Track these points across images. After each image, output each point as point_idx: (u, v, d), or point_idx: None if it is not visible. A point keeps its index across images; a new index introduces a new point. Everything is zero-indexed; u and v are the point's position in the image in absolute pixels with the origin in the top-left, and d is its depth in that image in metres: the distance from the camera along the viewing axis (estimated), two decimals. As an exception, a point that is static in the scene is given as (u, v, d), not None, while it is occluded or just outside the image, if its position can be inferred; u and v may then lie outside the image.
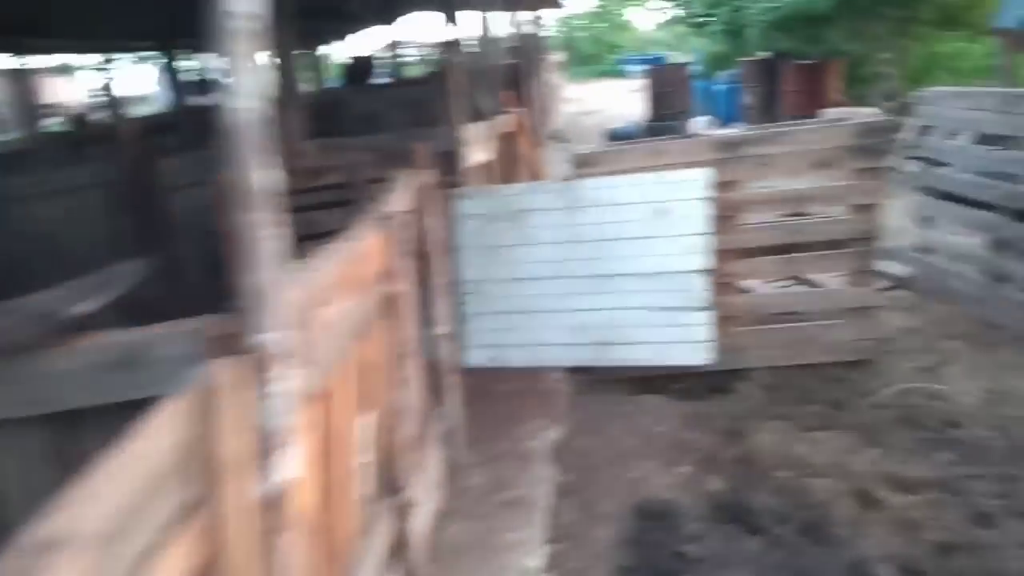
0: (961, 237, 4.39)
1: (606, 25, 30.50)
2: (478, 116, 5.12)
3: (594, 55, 31.39)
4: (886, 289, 4.91)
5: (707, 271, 3.74)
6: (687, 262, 3.77)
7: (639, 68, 24.96)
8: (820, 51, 10.49)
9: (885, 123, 3.57)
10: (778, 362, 3.97)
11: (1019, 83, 9.63)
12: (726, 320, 3.95)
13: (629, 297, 3.90)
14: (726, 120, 13.05)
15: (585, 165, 3.90)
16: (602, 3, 31.80)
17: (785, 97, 11.32)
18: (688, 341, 3.86)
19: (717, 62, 13.38)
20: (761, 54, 12.40)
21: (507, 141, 5.28)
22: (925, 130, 4.53)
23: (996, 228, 4.04)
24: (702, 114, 14.42)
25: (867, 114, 10.17)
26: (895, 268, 5.03)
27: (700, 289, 3.76)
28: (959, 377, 3.76)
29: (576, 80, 30.52)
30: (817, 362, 3.93)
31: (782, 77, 11.35)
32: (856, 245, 3.82)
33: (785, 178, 4.04)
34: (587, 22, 30.94)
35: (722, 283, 3.91)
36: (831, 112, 10.53)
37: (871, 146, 3.63)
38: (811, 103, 10.92)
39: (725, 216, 3.83)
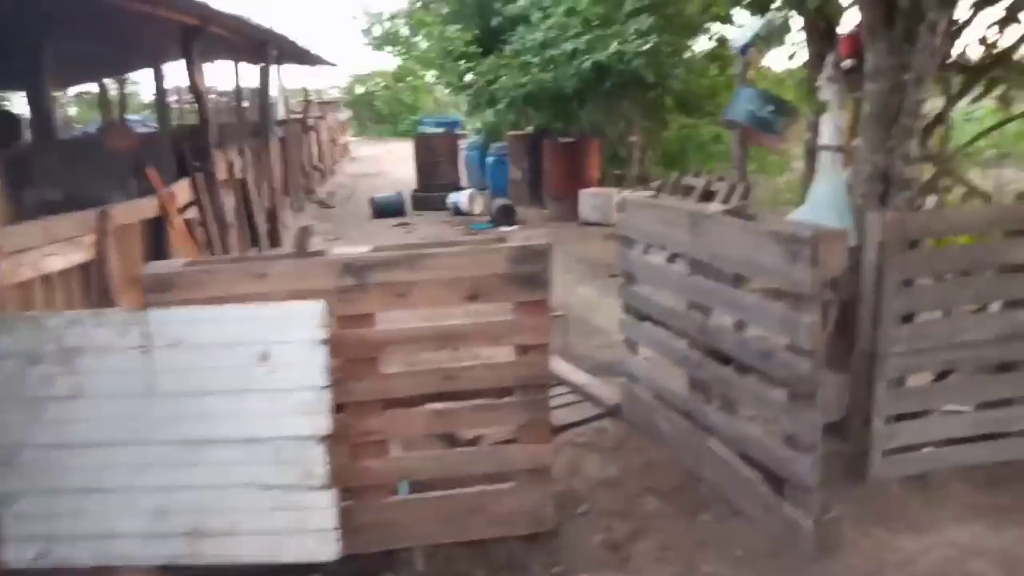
0: (663, 369, 3.77)
1: (405, 85, 30.05)
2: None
3: (392, 114, 30.78)
4: (592, 419, 4.22)
5: (326, 437, 2.76)
6: (298, 425, 2.78)
7: (436, 130, 24.72)
8: (576, 129, 10.26)
9: (542, 247, 2.80)
10: (437, 539, 3.08)
11: (754, 171, 9.82)
12: (367, 491, 3.00)
13: (228, 471, 2.84)
14: (495, 193, 12.62)
15: (161, 289, 2.82)
16: (403, 63, 31.40)
17: (547, 175, 10.99)
18: (308, 529, 2.84)
19: (492, 133, 12.96)
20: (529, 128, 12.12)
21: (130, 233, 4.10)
22: (626, 241, 3.91)
23: (694, 365, 3.42)
24: (477, 185, 14.00)
25: (618, 196, 10.05)
26: (606, 392, 4.38)
27: (318, 462, 2.77)
28: (650, 558, 3.05)
29: (373, 139, 29.82)
30: (485, 537, 3.08)
31: (544, 154, 11.03)
32: (524, 393, 3.03)
33: (436, 310, 3.20)
34: (385, 82, 30.34)
35: (359, 444, 2.98)
36: (589, 192, 10.32)
37: (529, 274, 2.87)
38: (572, 182, 10.66)
39: (357, 360, 2.91)
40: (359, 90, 31.23)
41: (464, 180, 14.58)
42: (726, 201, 7.21)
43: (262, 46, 8.23)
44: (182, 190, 5.21)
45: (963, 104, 3.73)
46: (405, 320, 3.24)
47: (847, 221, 3.41)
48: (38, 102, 7.01)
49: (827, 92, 3.50)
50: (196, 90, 5.34)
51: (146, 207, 4.27)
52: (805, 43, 3.64)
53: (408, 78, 28.50)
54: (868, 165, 3.31)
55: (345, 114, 23.82)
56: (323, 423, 2.77)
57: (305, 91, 15.67)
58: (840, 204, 3.42)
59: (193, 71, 5.21)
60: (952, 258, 3.26)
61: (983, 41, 3.34)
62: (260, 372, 2.78)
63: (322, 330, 2.74)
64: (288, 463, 2.81)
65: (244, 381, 2.79)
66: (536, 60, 8.86)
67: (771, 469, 3.01)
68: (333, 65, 15.37)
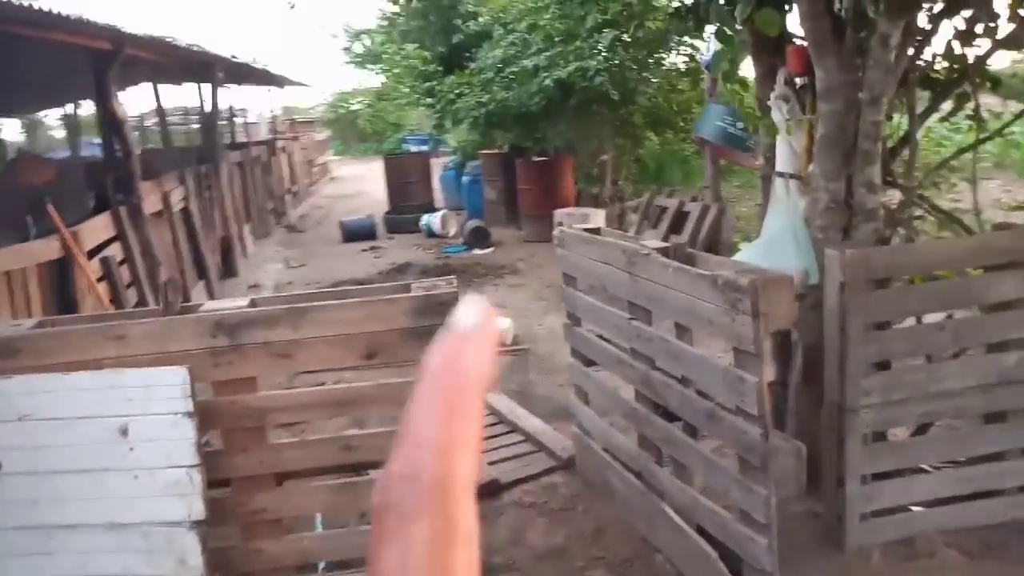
0: (615, 421, 3.38)
1: (388, 102, 29.67)
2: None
3: (376, 132, 30.41)
4: (541, 474, 3.83)
5: (200, 522, 2.37)
6: (167, 509, 2.39)
7: (420, 148, 24.33)
8: (545, 148, 9.91)
9: (448, 296, 2.42)
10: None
11: (737, 187, 9.46)
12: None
13: (92, 561, 2.45)
14: (471, 214, 12.25)
15: (5, 355, 2.43)
16: (388, 80, 31.00)
17: (522, 194, 10.63)
18: (184, 628, 2.44)
19: (467, 152, 12.61)
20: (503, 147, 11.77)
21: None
22: (568, 279, 3.54)
23: (642, 421, 3.04)
24: (453, 206, 13.64)
25: (592, 216, 9.68)
26: (560, 442, 3.99)
27: (192, 550, 2.38)
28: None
29: (357, 158, 29.42)
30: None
31: (518, 173, 10.67)
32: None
33: (332, 370, 2.82)
34: (368, 99, 29.97)
35: (250, 524, 2.58)
36: (563, 212, 9.95)
37: (436, 329, 2.47)
38: (546, 202, 10.29)
39: (240, 430, 2.53)
40: (342, 109, 30.88)
41: (442, 200, 14.26)
42: (699, 224, 6.85)
43: (206, 68, 7.88)
44: (101, 226, 4.83)
45: (932, 121, 3.37)
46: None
47: (806, 258, 3.04)
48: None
49: (778, 112, 3.14)
50: (112, 118, 4.97)
51: (42, 249, 3.88)
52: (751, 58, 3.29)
53: (391, 95, 28.16)
54: (825, 194, 2.95)
55: (323, 134, 23.45)
56: (195, 506, 2.38)
57: (272, 113, 15.28)
58: (798, 238, 3.06)
59: (108, 97, 4.84)
60: (925, 297, 2.89)
61: (948, 54, 2.98)
62: (120, 449, 2.39)
63: (187, 400, 2.36)
64: (158, 552, 2.42)
65: (102, 459, 2.40)
66: (497, 78, 8.52)
67: (727, 545, 2.62)
68: (303, 85, 15.04)
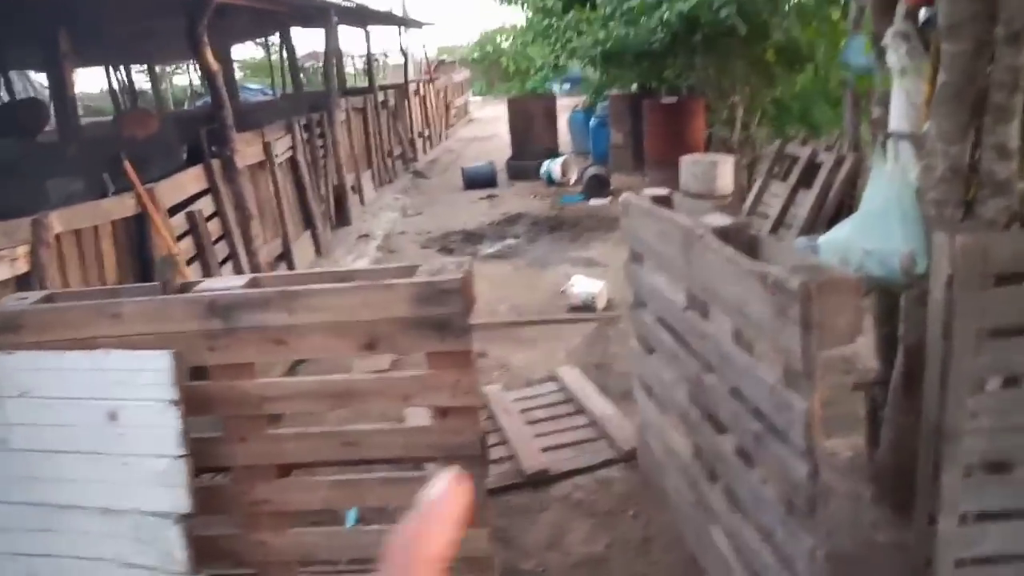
0: (671, 425, 2.96)
1: (552, 38, 28.95)
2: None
3: (520, 72, 29.94)
4: (597, 466, 3.49)
5: (186, 516, 2.26)
6: (154, 499, 2.29)
7: (566, 86, 23.62)
8: (676, 88, 9.17)
9: (455, 283, 2.11)
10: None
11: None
12: (269, 569, 2.49)
13: (89, 543, 2.41)
14: (597, 159, 11.71)
15: (10, 329, 2.39)
16: (532, 17, 30.15)
17: (648, 139, 9.97)
18: (177, 618, 2.36)
19: (597, 93, 12.00)
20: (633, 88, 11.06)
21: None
22: (634, 256, 3.12)
23: (694, 429, 2.63)
24: (581, 151, 13.11)
25: (721, 163, 8.89)
26: (625, 430, 3.62)
27: (176, 544, 2.28)
28: None
29: (498, 98, 29.16)
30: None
31: (644, 116, 10.00)
32: (448, 465, 2.37)
33: (332, 357, 2.57)
34: (513, 37, 29.42)
35: (252, 515, 2.46)
36: (689, 159, 9.23)
37: (441, 319, 2.18)
38: (674, 147, 9.58)
39: (239, 418, 2.37)
40: (488, 48, 30.56)
41: (570, 145, 13.76)
42: (831, 177, 6.04)
43: (320, 13, 7.80)
44: (192, 179, 4.87)
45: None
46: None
47: (914, 238, 2.44)
48: (57, 86, 6.86)
49: (895, 54, 2.50)
50: (205, 68, 4.95)
51: (116, 206, 3.91)
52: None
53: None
54: (943, 160, 2.32)
55: (462, 74, 23.31)
56: (181, 499, 2.26)
57: (421, 54, 15.21)
58: (906, 213, 2.45)
59: (200, 47, 4.80)
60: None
61: None
62: (111, 433, 2.30)
63: (172, 387, 2.21)
64: (147, 542, 2.33)
65: (95, 442, 2.33)
66: (616, 13, 7.85)
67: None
68: (423, 25, 14.84)
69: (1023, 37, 2.02)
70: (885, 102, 2.72)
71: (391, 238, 8.29)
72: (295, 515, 2.54)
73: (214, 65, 4.98)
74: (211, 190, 5.06)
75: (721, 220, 2.38)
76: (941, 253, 2.20)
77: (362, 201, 9.32)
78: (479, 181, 11.02)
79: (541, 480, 3.39)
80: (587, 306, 5.49)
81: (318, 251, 7.13)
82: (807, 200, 6.18)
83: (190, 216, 4.67)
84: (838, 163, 6.00)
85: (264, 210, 6.01)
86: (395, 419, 2.84)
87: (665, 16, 7.12)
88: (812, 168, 6.34)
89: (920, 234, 2.45)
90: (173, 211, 4.62)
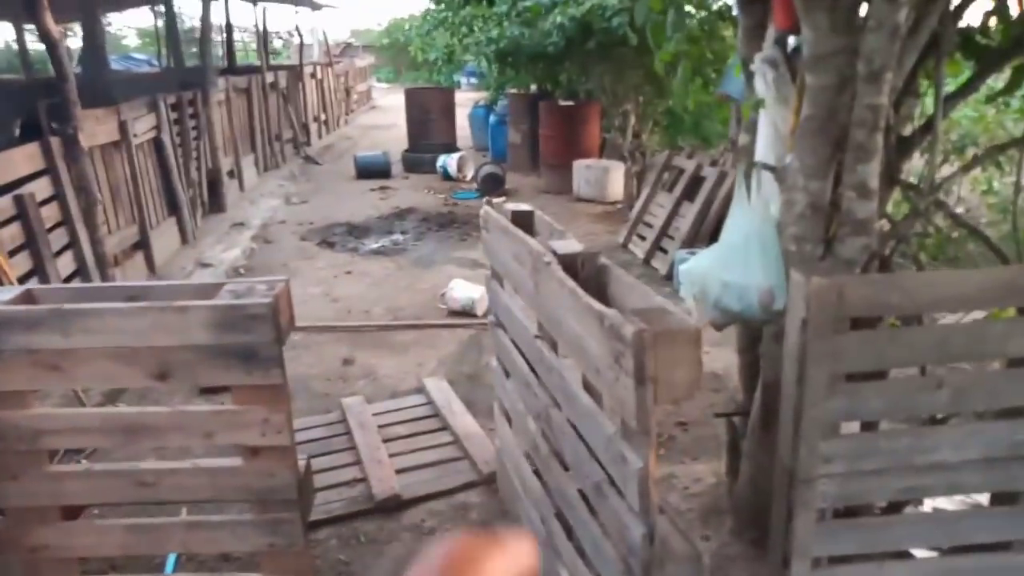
0: (523, 455, 2.78)
1: (447, 31, 28.49)
2: None
3: (426, 62, 29.40)
4: (453, 491, 3.28)
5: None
6: None
7: (473, 80, 23.26)
8: (573, 92, 9.08)
9: (262, 308, 1.83)
10: None
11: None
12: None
13: None
14: (495, 157, 11.53)
15: None
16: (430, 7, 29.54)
17: (543, 140, 9.85)
18: None
19: (496, 90, 11.78)
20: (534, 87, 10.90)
21: None
22: (494, 273, 2.91)
23: (543, 464, 2.45)
24: (480, 147, 12.89)
25: (612, 170, 8.88)
26: (488, 450, 3.43)
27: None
28: None
29: (405, 86, 28.53)
30: None
31: (541, 117, 9.87)
32: (261, 510, 2.11)
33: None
34: (424, 25, 28.85)
35: (32, 563, 2.11)
36: (583, 164, 9.18)
37: (245, 348, 1.91)
38: (568, 150, 9.52)
39: (9, 453, 2.02)
40: (397, 36, 29.88)
41: (470, 140, 13.52)
42: (714, 191, 6.06)
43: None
44: (25, 157, 4.34)
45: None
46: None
47: (773, 273, 2.34)
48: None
49: (762, 81, 2.39)
50: (46, 36, 4.42)
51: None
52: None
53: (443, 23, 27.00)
54: (803, 195, 2.22)
55: (366, 60, 22.66)
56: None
57: (298, 34, 14.56)
58: (766, 247, 2.35)
59: (40, 11, 4.28)
60: (918, 346, 2.16)
61: (1001, 13, 2.18)
62: None
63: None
64: None
65: None
66: (511, 13, 7.66)
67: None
68: (321, 6, 14.29)
69: (883, 77, 1.93)
70: (752, 129, 2.62)
71: (269, 227, 7.83)
72: (90, 562, 2.21)
73: (55, 31, 4.46)
74: (48, 171, 4.54)
75: (570, 247, 2.19)
76: (797, 293, 2.09)
77: (242, 187, 8.78)
78: (372, 171, 10.63)
79: (392, 506, 3.16)
80: (466, 311, 5.28)
81: (184, 239, 6.62)
82: (690, 212, 6.18)
83: (18, 199, 4.16)
84: (721, 178, 6.02)
85: (118, 194, 5.49)
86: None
87: (559, 20, 6.97)
88: (697, 181, 6.35)
89: (780, 270, 2.35)
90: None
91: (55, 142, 4.57)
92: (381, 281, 6.17)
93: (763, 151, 2.49)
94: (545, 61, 8.00)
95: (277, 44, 24.44)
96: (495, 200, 9.26)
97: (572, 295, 1.90)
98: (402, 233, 7.76)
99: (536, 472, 2.58)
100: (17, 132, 5.10)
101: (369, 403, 4.00)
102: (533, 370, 2.45)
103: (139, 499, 2.11)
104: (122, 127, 5.47)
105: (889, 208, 2.35)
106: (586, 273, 2.09)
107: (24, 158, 4.37)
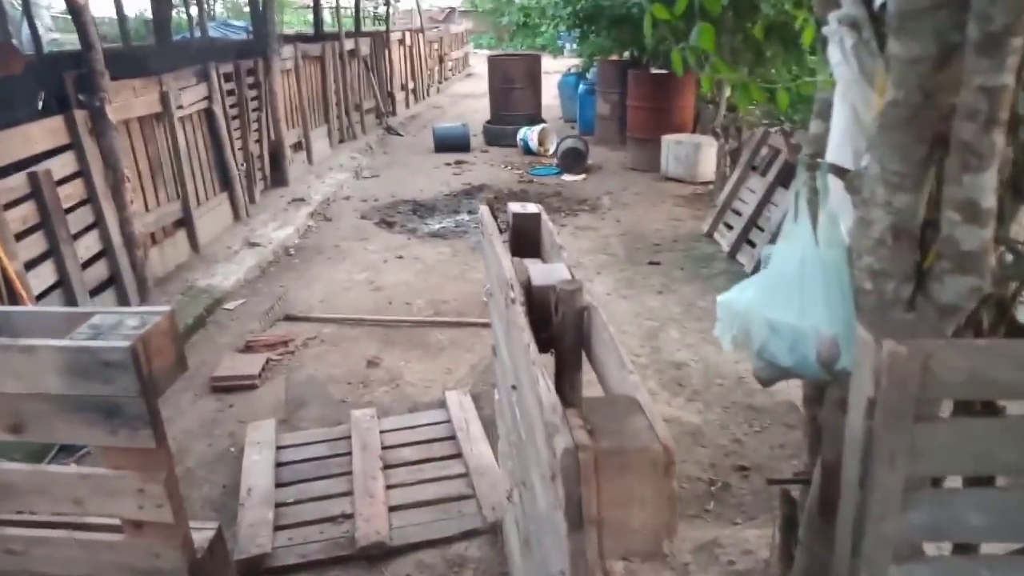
0: (511, 519, 2.26)
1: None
2: None
3: (530, 26, 28.66)
4: (449, 539, 2.80)
5: None
6: None
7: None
8: (663, 59, 8.31)
9: (122, 352, 1.39)
10: None
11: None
12: None
13: None
14: (582, 129, 10.86)
15: None
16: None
17: (631, 112, 9.11)
18: None
19: (589, 57, 11.05)
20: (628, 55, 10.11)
21: None
22: (490, 289, 2.38)
23: (523, 538, 1.93)
24: (569, 118, 12.21)
25: (704, 148, 8.07)
26: (493, 496, 2.93)
27: None
28: None
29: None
30: None
31: (630, 87, 9.12)
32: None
33: None
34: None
35: None
36: (671, 139, 8.40)
37: (111, 401, 1.47)
38: (657, 123, 8.75)
39: None
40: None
41: (559, 110, 12.87)
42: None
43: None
44: (47, 132, 4.11)
45: None
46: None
47: (839, 318, 1.70)
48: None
49: (839, 50, 1.73)
50: (71, 3, 4.16)
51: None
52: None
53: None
54: (883, 213, 1.56)
55: (461, 26, 22.18)
56: None
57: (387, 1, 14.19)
58: (831, 283, 1.70)
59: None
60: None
61: None
62: None
63: None
64: None
65: None
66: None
67: None
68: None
69: (1006, 44, 1.25)
70: (827, 115, 1.95)
71: (331, 204, 7.53)
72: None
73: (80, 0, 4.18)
74: (72, 146, 4.30)
75: (550, 276, 1.63)
76: (863, 359, 1.46)
77: (310, 160, 8.52)
78: (450, 144, 10.20)
79: (376, 554, 2.71)
80: (512, 309, 4.75)
81: (236, 216, 6.38)
82: (784, 200, 5.39)
83: (32, 177, 3.92)
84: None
85: (159, 170, 5.25)
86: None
87: (642, -23, 6.23)
88: (792, 167, 5.53)
89: (849, 313, 1.70)
90: (18, 168, 3.89)
91: (80, 115, 4.33)
92: (431, 268, 5.73)
93: (836, 147, 1.83)
94: (630, 24, 7.27)
95: (382, 10, 24.34)
96: (574, 178, 8.67)
97: (525, 353, 1.36)
98: (468, 213, 7.29)
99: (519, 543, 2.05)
100: (40, 104, 4.93)
101: (384, 416, 3.57)
102: (515, 423, 1.92)
103: (6, 568, 1.73)
104: (164, 98, 5.21)
105: (1013, 232, 1.65)
106: (564, 316, 1.52)
107: (45, 132, 4.14)
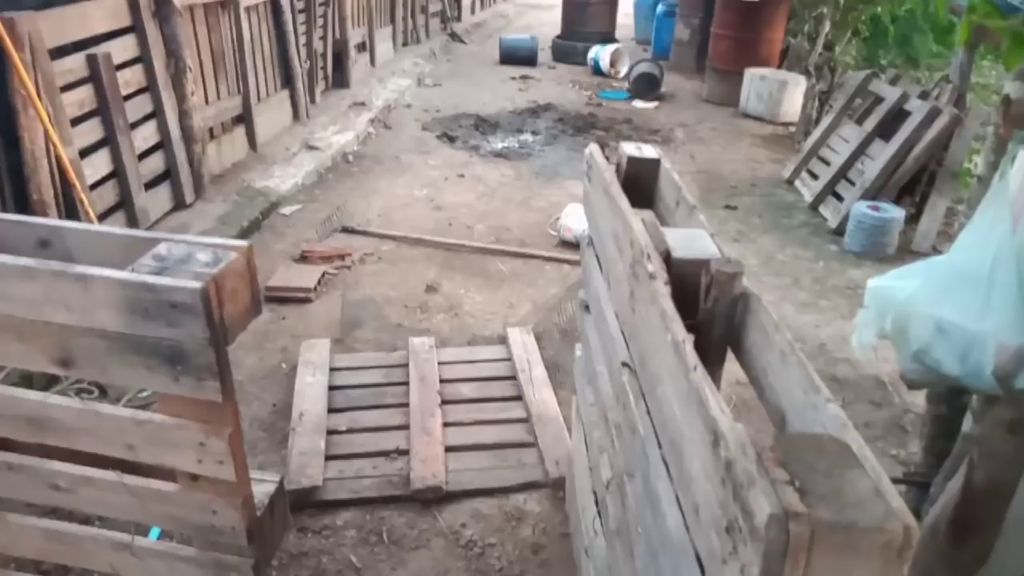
0: (589, 498, 2.05)
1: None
2: None
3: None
4: (508, 489, 2.63)
5: None
6: None
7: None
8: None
9: (192, 292, 1.21)
10: None
11: (983, 87, 6.98)
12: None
13: None
14: (656, 53, 10.26)
15: None
16: None
17: (714, 40, 8.52)
18: None
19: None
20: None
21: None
22: (590, 238, 2.13)
23: (608, 530, 1.73)
24: (643, 40, 11.56)
25: (790, 85, 7.52)
26: (558, 448, 2.74)
27: None
28: None
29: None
30: None
31: (715, 12, 8.50)
32: (208, 546, 1.55)
33: None
34: None
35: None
36: (755, 73, 7.85)
37: (169, 348, 1.27)
38: (742, 55, 8.17)
39: None
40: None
41: (632, 30, 12.19)
42: (918, 133, 4.78)
43: None
44: (108, 12, 3.85)
45: None
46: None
47: (1031, 328, 1.41)
48: None
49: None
50: None
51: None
52: None
53: None
54: None
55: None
56: None
57: None
58: (1026, 284, 1.42)
59: None
60: None
61: None
62: None
63: None
64: None
65: None
66: None
67: None
68: None
69: None
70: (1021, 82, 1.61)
71: (392, 111, 7.21)
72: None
73: None
74: (134, 29, 4.04)
75: (696, 248, 1.36)
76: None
77: (372, 62, 8.15)
78: (517, 57, 9.72)
79: (431, 498, 2.56)
80: (579, 245, 4.49)
81: (296, 115, 6.12)
82: (882, 155, 4.96)
83: (91, 60, 3.69)
84: (931, 116, 4.73)
85: (221, 61, 4.98)
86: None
87: None
88: (898, 115, 5.07)
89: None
90: (77, 49, 3.66)
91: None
92: (494, 191, 5.44)
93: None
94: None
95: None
96: (646, 105, 8.20)
97: (676, 352, 1.10)
98: (533, 133, 6.93)
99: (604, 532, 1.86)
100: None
101: (441, 347, 3.38)
102: (615, 406, 1.69)
103: (52, 504, 1.59)
104: (232, -17, 4.89)
105: None
106: (716, 303, 1.26)
107: (105, 13, 3.87)
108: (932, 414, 2.11)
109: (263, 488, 1.60)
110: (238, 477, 1.42)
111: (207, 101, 4.83)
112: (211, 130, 4.89)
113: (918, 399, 3.02)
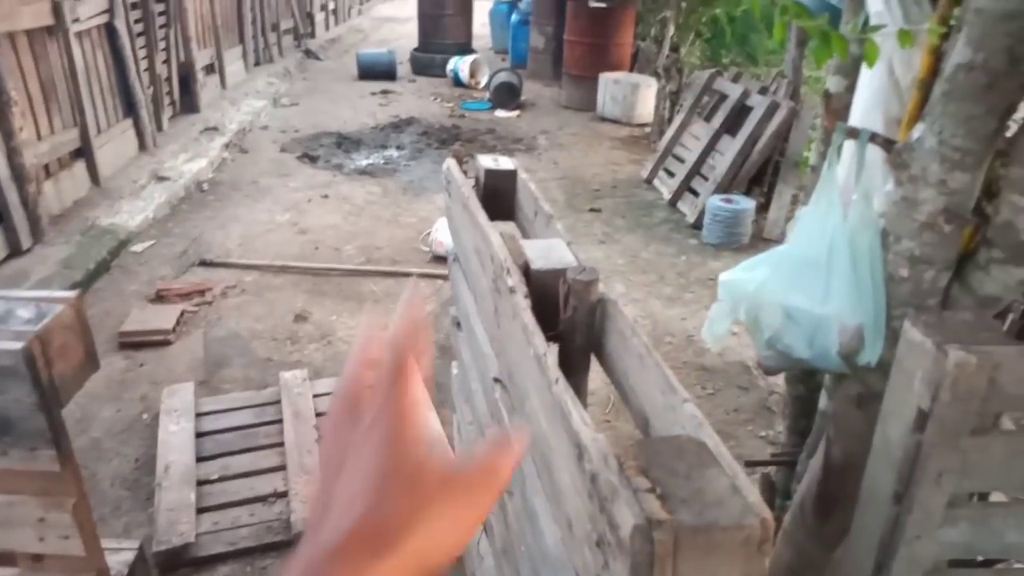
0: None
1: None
2: None
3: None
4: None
5: None
6: None
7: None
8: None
9: (14, 354, 1.05)
10: None
11: (815, 81, 7.50)
12: None
13: None
14: (514, 62, 10.42)
15: None
16: None
17: (568, 47, 8.75)
18: None
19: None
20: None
21: None
22: (455, 255, 2.11)
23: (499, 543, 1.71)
24: (500, 50, 11.72)
25: (643, 88, 7.83)
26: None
27: None
28: None
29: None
30: None
31: (567, 20, 8.73)
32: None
33: None
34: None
35: None
36: (609, 78, 8.12)
37: (-11, 421, 1.14)
38: (594, 60, 8.43)
39: None
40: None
41: (489, 40, 12.33)
42: (760, 126, 5.08)
43: None
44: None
45: None
46: None
47: (867, 307, 1.51)
48: None
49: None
50: None
51: None
52: None
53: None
54: (935, 193, 1.37)
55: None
56: None
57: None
58: (860, 267, 1.51)
59: None
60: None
61: None
62: None
63: None
64: None
65: None
66: None
67: None
68: None
69: None
70: (851, 71, 1.73)
71: (248, 134, 6.95)
72: None
73: None
74: (-55, 62, 3.68)
75: (554, 258, 1.36)
76: (914, 366, 1.27)
77: (223, 84, 7.82)
78: (375, 71, 9.61)
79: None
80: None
81: (142, 145, 5.78)
82: (730, 149, 5.24)
83: None
84: (771, 110, 5.05)
85: (52, 92, 4.62)
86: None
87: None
88: (742, 111, 5.37)
89: (878, 303, 1.51)
90: None
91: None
92: (361, 210, 5.34)
93: (865, 110, 1.61)
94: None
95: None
96: (508, 114, 8.30)
97: (537, 365, 1.10)
98: (397, 148, 6.86)
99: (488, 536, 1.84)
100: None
101: (315, 379, 3.27)
102: (494, 418, 1.67)
103: None
104: (56, 9, 4.55)
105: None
106: (573, 311, 1.27)
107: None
108: (792, 395, 2.23)
109: (120, 557, 1.47)
110: (88, 550, 1.30)
111: (39, 136, 4.47)
112: (47, 167, 4.53)
113: (780, 381, 3.19)
